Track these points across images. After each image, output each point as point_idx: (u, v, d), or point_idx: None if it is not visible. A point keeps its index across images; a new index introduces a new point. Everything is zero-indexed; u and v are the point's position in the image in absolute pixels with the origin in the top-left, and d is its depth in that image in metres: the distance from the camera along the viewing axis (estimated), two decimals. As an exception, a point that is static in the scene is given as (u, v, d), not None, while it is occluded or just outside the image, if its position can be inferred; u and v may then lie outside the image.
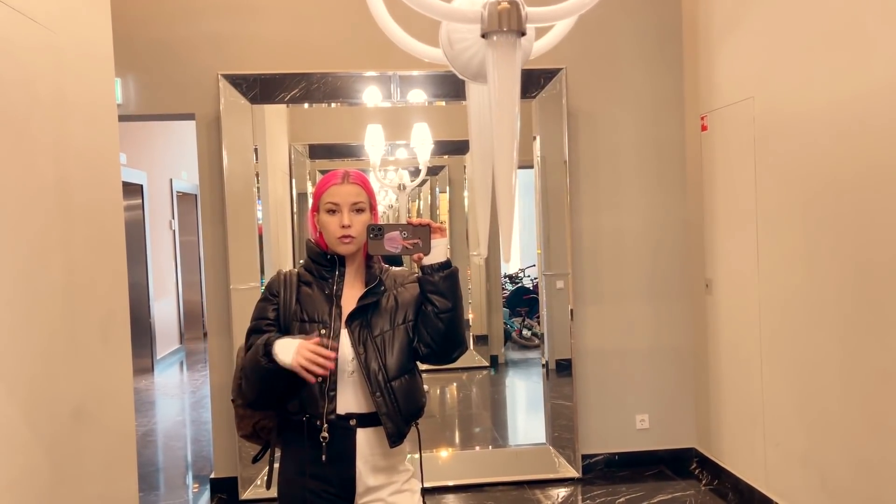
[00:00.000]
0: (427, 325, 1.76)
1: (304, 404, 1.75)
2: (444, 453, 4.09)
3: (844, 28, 2.64)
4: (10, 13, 1.97)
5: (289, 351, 1.65)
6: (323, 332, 1.75)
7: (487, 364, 4.79)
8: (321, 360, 1.63)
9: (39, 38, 2.13)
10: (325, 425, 1.73)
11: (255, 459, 1.96)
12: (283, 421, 1.82)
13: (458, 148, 4.59)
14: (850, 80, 2.62)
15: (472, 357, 4.76)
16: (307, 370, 1.63)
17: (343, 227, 1.76)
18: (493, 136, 1.26)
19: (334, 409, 1.74)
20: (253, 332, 1.81)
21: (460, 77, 1.46)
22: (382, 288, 1.83)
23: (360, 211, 1.78)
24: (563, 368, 3.98)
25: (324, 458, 1.74)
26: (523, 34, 1.26)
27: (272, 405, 1.79)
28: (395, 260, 2.60)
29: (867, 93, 2.53)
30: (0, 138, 1.89)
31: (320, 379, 1.71)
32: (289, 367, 1.65)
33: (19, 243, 1.97)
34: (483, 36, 1.27)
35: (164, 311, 7.97)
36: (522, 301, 5.22)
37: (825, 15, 2.74)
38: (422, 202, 5.03)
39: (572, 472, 3.86)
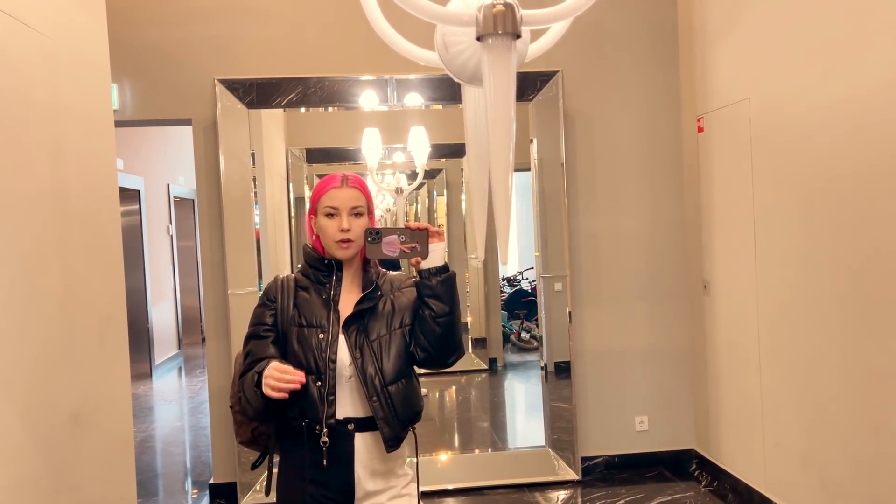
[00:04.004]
0: (424, 330, 1.75)
1: (304, 409, 1.74)
2: (444, 457, 4.08)
3: (840, 28, 2.65)
4: (5, 19, 1.97)
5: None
6: (321, 336, 1.75)
7: (486, 367, 4.79)
8: (287, 378, 1.61)
9: (35, 44, 2.13)
10: (325, 430, 1.73)
11: (255, 465, 1.96)
12: (282, 426, 1.82)
13: (455, 151, 4.60)
14: (846, 81, 2.63)
15: (470, 360, 4.75)
16: (281, 390, 1.61)
17: (342, 230, 1.76)
18: (490, 139, 1.26)
19: (333, 414, 1.74)
20: (251, 337, 1.81)
21: (456, 80, 1.47)
22: (379, 292, 1.82)
23: (358, 215, 1.78)
24: (561, 371, 3.98)
25: (325, 462, 1.73)
26: (518, 37, 1.26)
27: (271, 421, 1.80)
28: (393, 264, 2.60)
29: (863, 93, 2.54)
30: (-4, 144, 1.89)
31: (319, 383, 1.71)
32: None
33: (16, 249, 1.97)
34: (478, 39, 1.28)
35: (162, 317, 7.96)
36: (521, 304, 5.22)
37: (820, 16, 2.75)
38: (419, 205, 5.03)
39: (572, 475, 3.86)
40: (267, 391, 1.63)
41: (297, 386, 1.62)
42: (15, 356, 1.93)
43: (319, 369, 1.73)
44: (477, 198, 1.61)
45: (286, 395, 1.63)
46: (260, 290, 3.71)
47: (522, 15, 1.25)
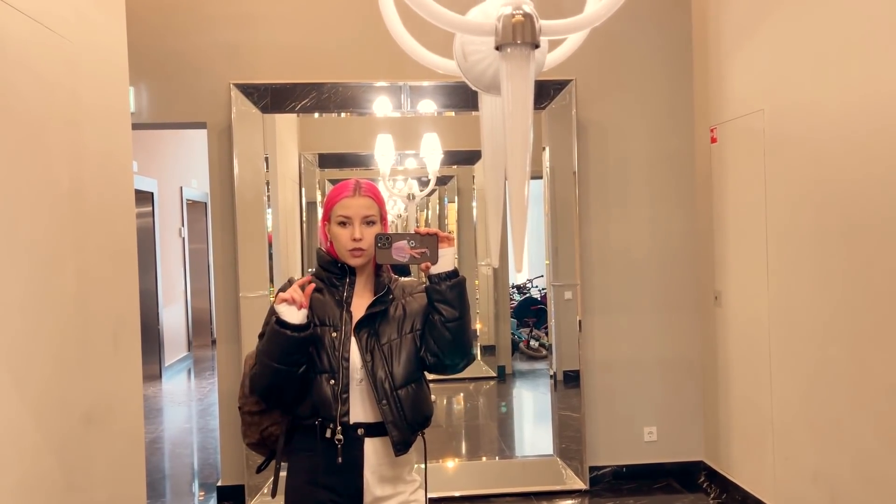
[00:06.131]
0: (434, 334, 1.76)
1: (317, 408, 1.75)
2: (451, 463, 4.08)
3: (854, 39, 2.64)
4: (27, 22, 2.00)
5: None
6: (334, 334, 1.76)
7: (495, 374, 4.78)
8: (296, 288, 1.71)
9: (55, 47, 2.15)
10: (339, 428, 1.73)
11: (259, 469, 1.95)
12: (293, 427, 1.82)
13: (466, 158, 4.60)
14: (861, 92, 2.62)
15: (479, 367, 4.75)
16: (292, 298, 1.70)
17: (354, 240, 1.77)
18: (507, 148, 1.27)
19: (347, 413, 1.74)
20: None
21: (473, 88, 1.47)
22: (391, 297, 1.83)
23: (371, 223, 1.79)
24: (570, 379, 3.97)
25: (340, 460, 1.74)
26: (537, 46, 1.27)
27: (284, 398, 1.78)
28: (404, 269, 2.61)
29: (878, 104, 2.53)
30: (16, 145, 1.91)
31: (332, 381, 1.72)
32: (284, 313, 1.70)
33: (33, 248, 1.98)
34: (497, 48, 1.28)
35: (173, 319, 7.99)
36: (530, 311, 5.21)
37: (835, 26, 2.74)
38: (430, 212, 5.03)
39: (579, 484, 3.84)
40: (280, 307, 1.69)
41: (307, 284, 1.73)
42: (30, 356, 1.94)
43: (333, 367, 1.74)
44: (492, 205, 1.62)
45: (303, 301, 1.70)
46: (270, 293, 3.73)
47: (541, 25, 1.26)
